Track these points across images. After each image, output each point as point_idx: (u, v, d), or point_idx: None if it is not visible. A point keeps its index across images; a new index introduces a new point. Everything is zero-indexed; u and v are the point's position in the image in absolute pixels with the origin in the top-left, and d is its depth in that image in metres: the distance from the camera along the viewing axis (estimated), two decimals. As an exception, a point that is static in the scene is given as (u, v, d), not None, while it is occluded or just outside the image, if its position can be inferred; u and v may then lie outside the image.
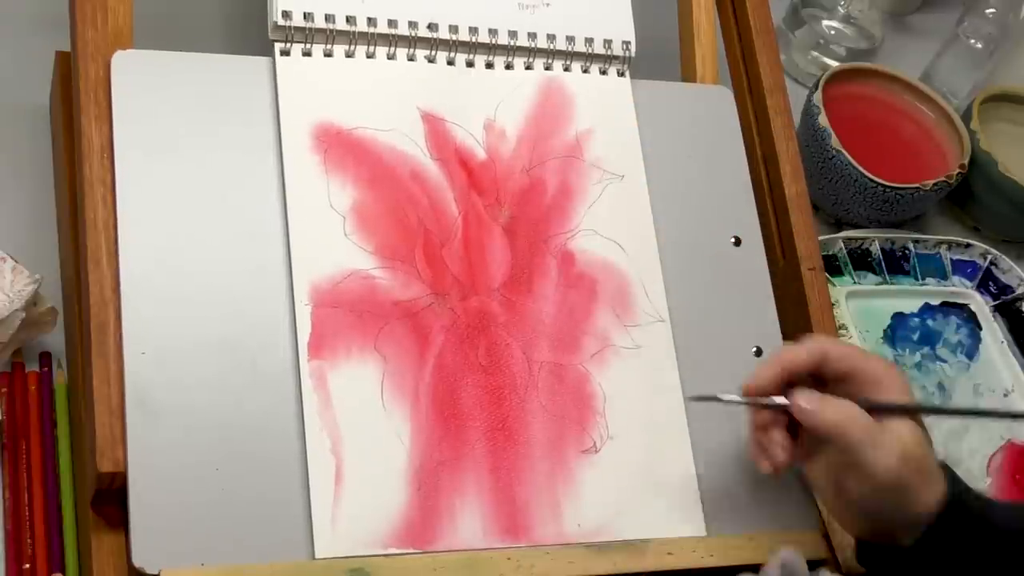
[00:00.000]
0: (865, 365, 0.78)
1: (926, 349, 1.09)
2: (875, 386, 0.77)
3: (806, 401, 0.77)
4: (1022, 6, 1.24)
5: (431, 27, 0.86)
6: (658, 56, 0.96)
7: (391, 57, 0.86)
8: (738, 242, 0.89)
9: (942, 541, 0.75)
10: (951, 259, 1.14)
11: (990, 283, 1.14)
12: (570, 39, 0.89)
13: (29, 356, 0.86)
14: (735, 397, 0.79)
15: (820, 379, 0.78)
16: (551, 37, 0.89)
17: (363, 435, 0.76)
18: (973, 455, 1.02)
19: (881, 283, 1.11)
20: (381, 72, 0.85)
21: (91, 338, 0.74)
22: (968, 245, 1.15)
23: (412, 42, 0.86)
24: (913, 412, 0.77)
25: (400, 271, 0.81)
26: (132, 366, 0.73)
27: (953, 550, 0.75)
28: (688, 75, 0.95)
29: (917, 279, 1.13)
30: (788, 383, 0.78)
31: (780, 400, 0.78)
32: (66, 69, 0.87)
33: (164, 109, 0.79)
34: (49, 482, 0.81)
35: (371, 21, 0.85)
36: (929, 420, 0.81)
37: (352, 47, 0.85)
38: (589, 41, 0.90)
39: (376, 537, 0.74)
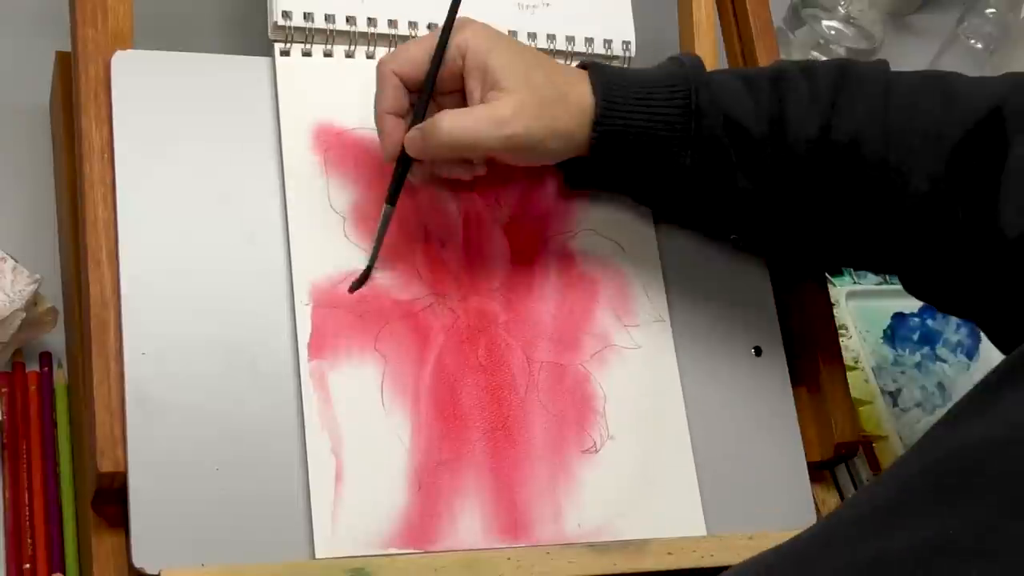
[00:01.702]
0: (422, 53, 0.78)
1: (926, 349, 1.09)
2: (470, 67, 0.78)
3: (413, 145, 0.77)
4: (1022, 6, 1.24)
5: (431, 27, 0.86)
6: (658, 56, 0.96)
7: (391, 57, 0.86)
8: (738, 242, 0.89)
9: (607, 156, 0.79)
10: (951, 259, 1.14)
11: (990, 283, 1.13)
12: (570, 39, 0.89)
13: (29, 356, 0.86)
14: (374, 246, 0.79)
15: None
16: (551, 37, 0.89)
17: (363, 435, 0.76)
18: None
19: (881, 283, 1.11)
20: (381, 72, 0.85)
21: (91, 338, 0.74)
22: (968, 245, 1.14)
23: (412, 42, 0.86)
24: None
25: (400, 271, 0.81)
26: (132, 366, 0.73)
27: (619, 158, 0.79)
28: (688, 75, 0.95)
29: (917, 279, 1.12)
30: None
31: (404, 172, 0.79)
32: (66, 69, 0.87)
33: (164, 109, 0.79)
34: (49, 482, 0.81)
35: (371, 21, 0.85)
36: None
37: (352, 47, 0.85)
38: (589, 41, 0.90)
39: (376, 537, 0.74)
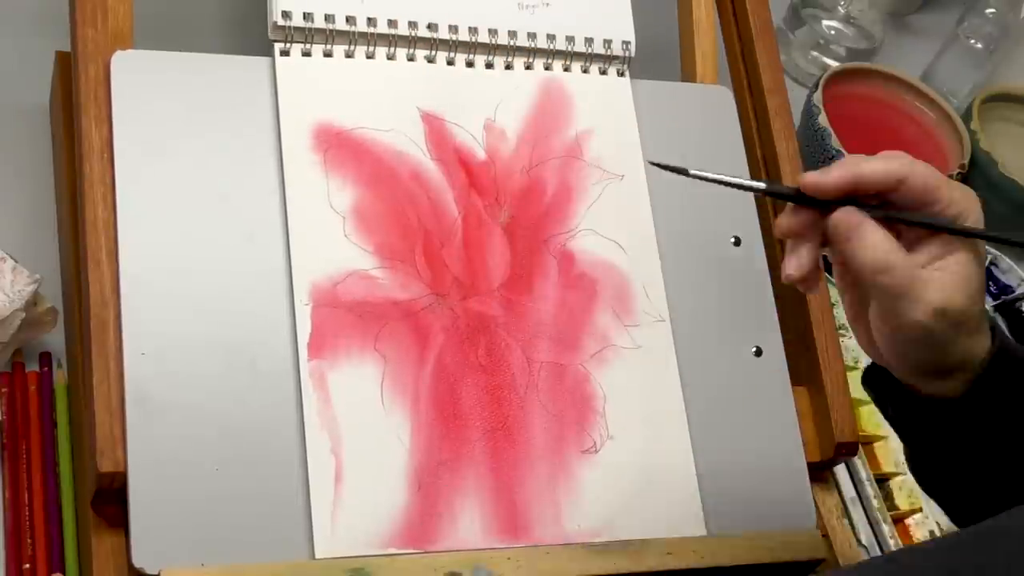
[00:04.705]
0: (944, 193, 0.67)
1: (926, 349, 1.08)
2: (952, 217, 0.67)
3: (844, 222, 0.67)
4: (1022, 6, 1.24)
5: (431, 27, 0.86)
6: (658, 56, 0.96)
7: (391, 57, 0.86)
8: (738, 242, 0.89)
9: (988, 394, 0.69)
10: (951, 259, 1.14)
11: (990, 283, 1.14)
12: (570, 39, 0.89)
13: (29, 356, 0.86)
14: (709, 173, 0.70)
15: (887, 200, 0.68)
16: (551, 37, 0.89)
17: (363, 435, 0.76)
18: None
19: (881, 283, 1.11)
20: (381, 72, 0.85)
21: (91, 338, 0.74)
22: (968, 245, 1.14)
23: (412, 42, 0.86)
24: (962, 234, 0.67)
25: (400, 271, 0.81)
26: (132, 366, 0.73)
27: (999, 403, 0.69)
28: (688, 75, 0.95)
29: (917, 279, 1.12)
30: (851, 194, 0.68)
31: (786, 188, 0.69)
32: (66, 69, 0.87)
33: (164, 109, 0.79)
34: (49, 482, 0.81)
35: (371, 21, 0.85)
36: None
37: (352, 47, 0.85)
38: (589, 41, 0.90)
39: (376, 537, 0.74)
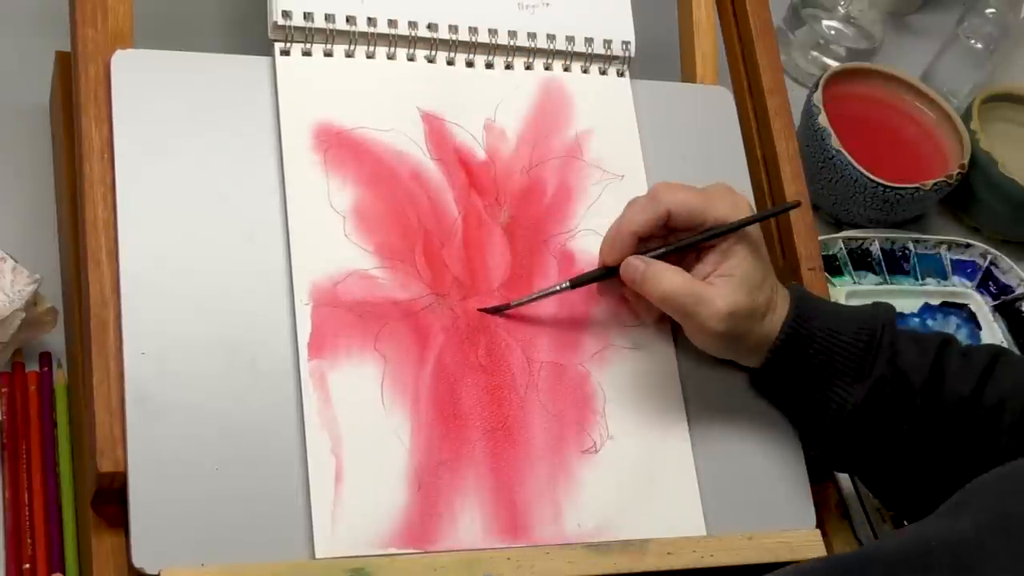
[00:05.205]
0: (706, 214, 0.80)
1: (926, 349, 1.08)
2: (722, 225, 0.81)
3: (628, 275, 0.81)
4: (1022, 6, 1.24)
5: (431, 27, 0.86)
6: (658, 56, 0.96)
7: (391, 57, 0.86)
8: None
9: (782, 365, 0.81)
10: (951, 259, 1.14)
11: (990, 283, 1.14)
12: (570, 39, 0.89)
13: (29, 356, 0.86)
14: (528, 296, 0.82)
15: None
16: (551, 37, 0.89)
17: (363, 435, 0.76)
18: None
19: (881, 283, 1.11)
20: (381, 72, 0.85)
21: (91, 338, 0.74)
22: (968, 245, 1.15)
23: (412, 42, 0.86)
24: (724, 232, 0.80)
25: (400, 271, 0.81)
26: (132, 366, 0.73)
27: (793, 371, 0.82)
28: (688, 75, 0.95)
29: (917, 279, 1.13)
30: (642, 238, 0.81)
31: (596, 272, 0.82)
32: (66, 69, 0.87)
33: (164, 109, 0.79)
34: (49, 482, 0.81)
35: (371, 21, 0.85)
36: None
37: (352, 47, 0.85)
38: (589, 41, 0.90)
39: (376, 537, 0.74)
